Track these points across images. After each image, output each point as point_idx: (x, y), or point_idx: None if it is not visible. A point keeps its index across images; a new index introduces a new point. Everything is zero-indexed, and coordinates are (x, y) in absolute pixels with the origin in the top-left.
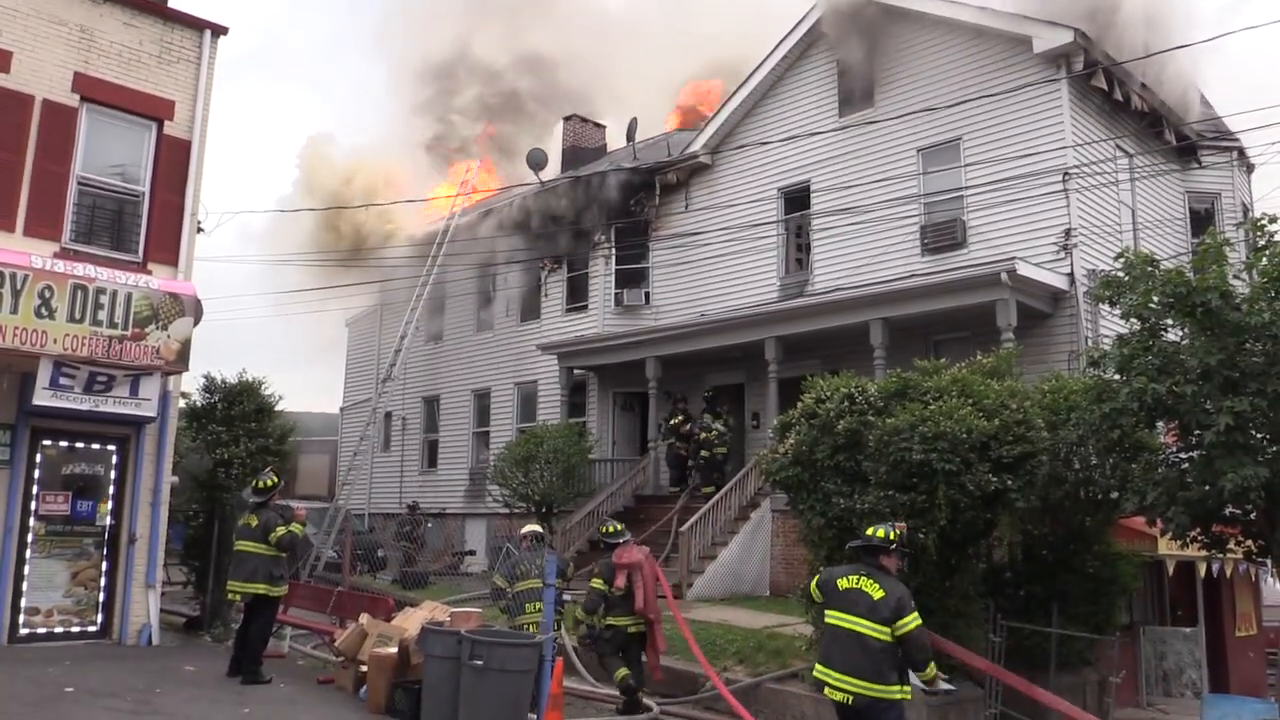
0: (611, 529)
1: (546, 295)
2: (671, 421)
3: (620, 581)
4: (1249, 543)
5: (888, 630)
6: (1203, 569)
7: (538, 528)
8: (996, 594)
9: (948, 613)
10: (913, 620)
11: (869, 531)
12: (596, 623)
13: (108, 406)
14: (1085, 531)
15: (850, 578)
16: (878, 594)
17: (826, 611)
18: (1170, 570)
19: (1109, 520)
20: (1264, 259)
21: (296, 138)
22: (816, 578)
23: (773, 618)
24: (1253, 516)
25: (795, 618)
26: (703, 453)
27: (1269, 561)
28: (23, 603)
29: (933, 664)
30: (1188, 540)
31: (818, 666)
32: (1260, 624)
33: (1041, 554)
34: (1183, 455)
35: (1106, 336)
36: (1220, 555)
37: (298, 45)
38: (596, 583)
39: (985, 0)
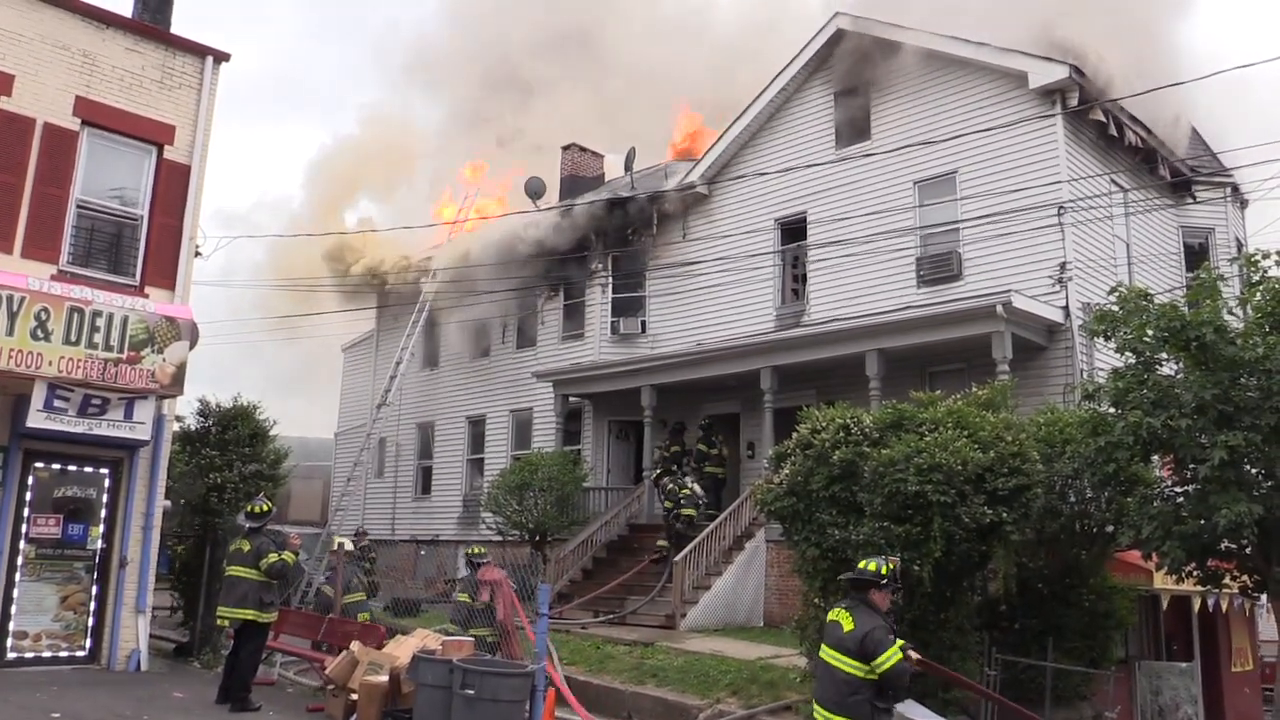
0: (477, 550)
1: (543, 323)
2: (654, 474)
3: (484, 595)
4: (1245, 578)
5: (856, 664)
6: (1198, 603)
7: (349, 544)
8: (991, 627)
9: (942, 645)
10: (889, 657)
11: (861, 565)
12: (457, 632)
13: (101, 429)
14: (1081, 565)
15: (836, 610)
16: (848, 626)
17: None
18: (1165, 605)
19: (1104, 553)
20: (1258, 294)
21: (304, 164)
22: None
23: (767, 649)
24: (1248, 551)
25: (789, 649)
26: (668, 506)
27: (1265, 596)
28: (11, 626)
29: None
30: (1183, 574)
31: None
32: (1256, 659)
33: (1037, 587)
34: (1178, 489)
35: (1101, 369)
36: (1216, 590)
37: (312, 77)
38: (462, 596)
39: (982, 35)
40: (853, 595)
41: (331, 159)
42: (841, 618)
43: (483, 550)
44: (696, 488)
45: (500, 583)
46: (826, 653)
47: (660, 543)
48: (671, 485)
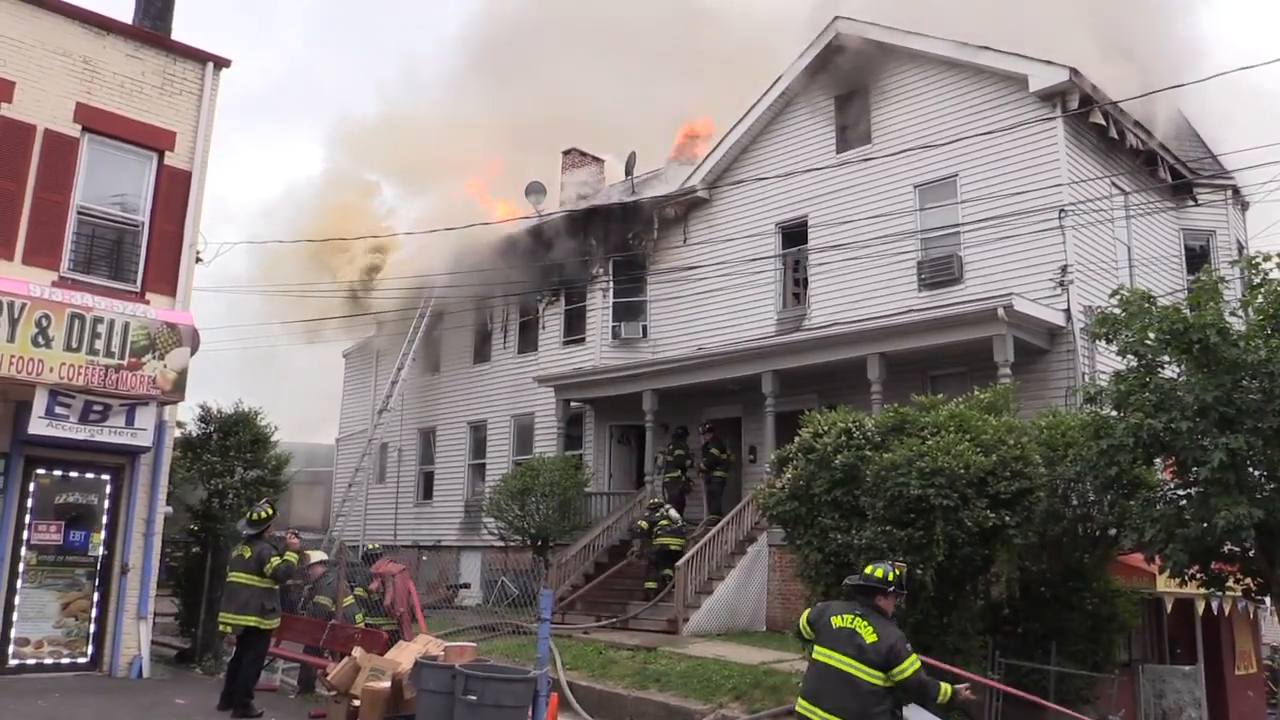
0: (373, 547)
1: (544, 328)
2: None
3: (374, 585)
4: (1248, 580)
5: (880, 675)
6: (1201, 606)
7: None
8: (994, 631)
9: (945, 650)
10: (909, 666)
11: (867, 570)
12: (359, 621)
13: (103, 436)
14: (1083, 568)
15: (845, 616)
16: (870, 638)
17: (817, 647)
18: (1169, 608)
19: (1107, 557)
20: (1259, 296)
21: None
22: (808, 612)
23: (769, 654)
24: (1251, 554)
25: (792, 654)
26: (642, 526)
27: (1268, 599)
28: (12, 633)
29: (945, 685)
30: (1186, 577)
31: (802, 702)
32: (1260, 662)
33: (1039, 591)
34: (1180, 492)
35: (1103, 372)
36: (1219, 593)
37: (322, 82)
38: (358, 590)
39: (983, 39)
40: (860, 600)
41: (341, 147)
42: (859, 626)
43: (377, 547)
44: (673, 513)
45: (393, 575)
46: (842, 661)
47: (649, 585)
48: (652, 515)
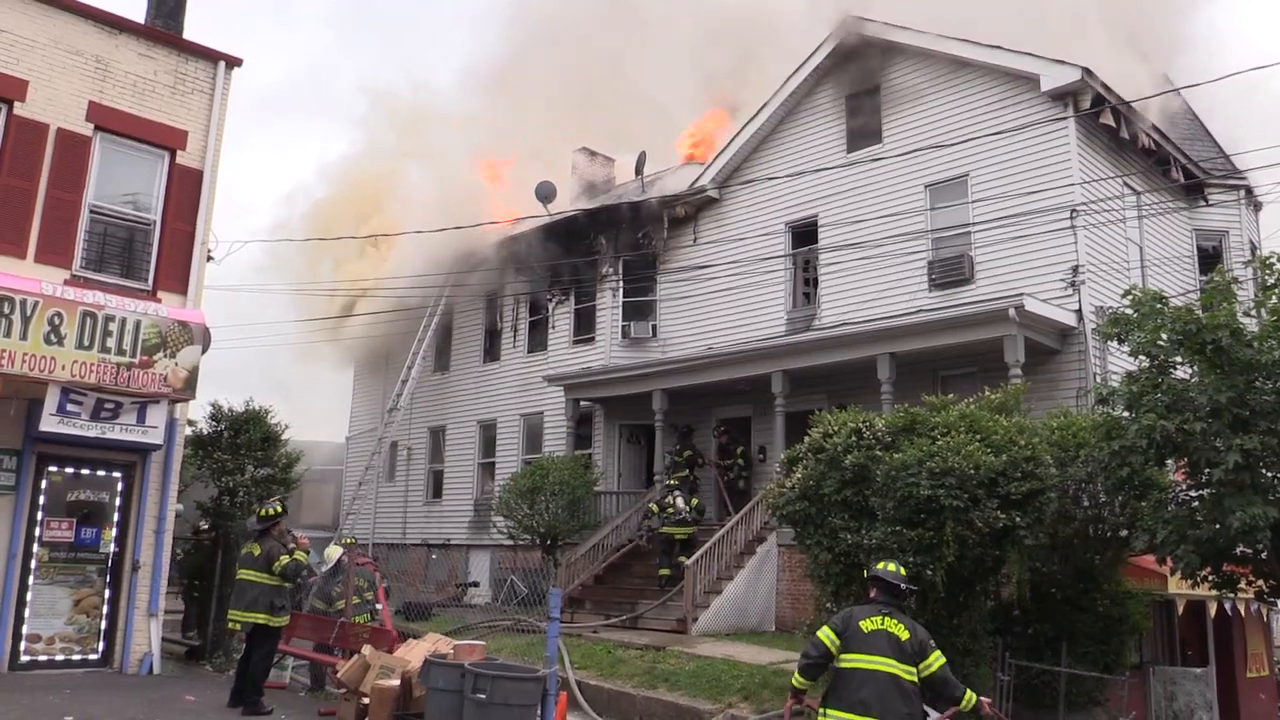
0: (349, 541)
1: (553, 327)
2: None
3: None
4: (1260, 582)
5: (914, 670)
6: (1213, 608)
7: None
8: (1005, 632)
9: (955, 651)
10: (936, 659)
11: (892, 568)
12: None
13: (114, 434)
14: (1095, 569)
15: (874, 619)
16: (904, 635)
17: (847, 655)
18: (1180, 610)
19: (1118, 558)
20: (1273, 297)
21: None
22: (827, 628)
23: (778, 654)
24: (1264, 555)
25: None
26: (652, 510)
27: None
28: (24, 629)
29: (970, 691)
30: (1198, 579)
31: (845, 715)
32: (1272, 665)
33: (1050, 592)
34: (1192, 493)
35: (1115, 373)
36: (1231, 595)
37: (340, 81)
38: (317, 603)
39: (994, 38)
40: (883, 600)
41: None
42: (891, 626)
43: (354, 541)
44: (679, 502)
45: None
46: (886, 664)
47: (662, 571)
48: (661, 499)
